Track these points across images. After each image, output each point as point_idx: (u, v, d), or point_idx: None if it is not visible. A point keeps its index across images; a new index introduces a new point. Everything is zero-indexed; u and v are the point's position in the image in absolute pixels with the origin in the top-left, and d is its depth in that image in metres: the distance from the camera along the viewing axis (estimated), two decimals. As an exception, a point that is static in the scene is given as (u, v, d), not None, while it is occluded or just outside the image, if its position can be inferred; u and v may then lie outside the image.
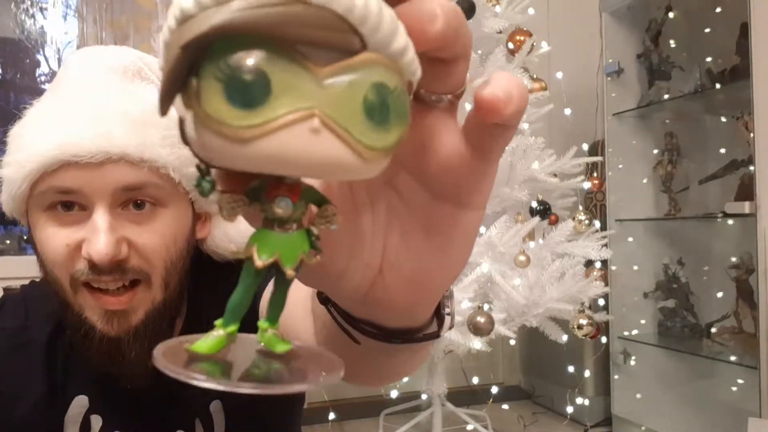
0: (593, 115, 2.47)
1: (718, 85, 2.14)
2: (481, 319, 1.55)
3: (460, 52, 0.22)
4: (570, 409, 2.31)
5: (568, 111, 2.00)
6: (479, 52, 1.86)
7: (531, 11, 1.95)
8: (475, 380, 2.22)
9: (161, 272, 0.60)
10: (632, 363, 2.37)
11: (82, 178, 0.56)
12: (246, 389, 0.20)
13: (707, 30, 2.28)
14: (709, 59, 2.23)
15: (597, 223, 1.90)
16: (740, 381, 2.08)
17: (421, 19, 0.20)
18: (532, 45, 1.87)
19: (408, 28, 0.20)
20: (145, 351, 0.59)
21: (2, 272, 2.14)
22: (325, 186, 0.25)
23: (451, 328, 0.33)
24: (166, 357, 0.21)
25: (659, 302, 2.47)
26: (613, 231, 2.18)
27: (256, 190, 0.22)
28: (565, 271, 1.73)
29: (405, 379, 2.11)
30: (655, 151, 2.49)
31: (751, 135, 1.85)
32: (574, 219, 1.85)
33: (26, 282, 0.75)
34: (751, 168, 1.87)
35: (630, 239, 2.42)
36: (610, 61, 2.40)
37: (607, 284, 1.88)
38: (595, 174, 2.12)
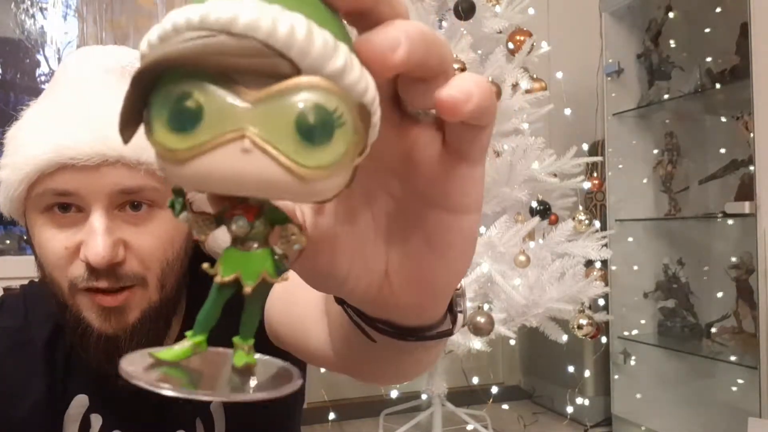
0: (593, 115, 2.47)
1: (718, 85, 2.14)
2: (481, 319, 1.55)
3: (435, 70, 0.23)
4: (570, 409, 2.31)
5: (568, 111, 2.00)
6: (479, 52, 1.86)
7: (531, 11, 1.95)
8: (475, 380, 2.22)
9: (157, 274, 0.60)
10: (632, 363, 2.37)
11: (78, 180, 0.56)
12: (205, 397, 0.22)
13: (707, 30, 2.28)
14: (709, 59, 2.23)
15: (597, 223, 1.90)
16: (740, 381, 2.08)
17: (382, 49, 0.20)
18: (532, 45, 1.87)
19: (371, 57, 0.21)
20: (141, 349, 0.59)
21: (2, 272, 2.14)
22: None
23: (464, 325, 0.34)
24: (133, 365, 0.23)
25: (659, 302, 2.47)
26: (613, 231, 2.18)
27: (222, 211, 0.24)
28: (565, 271, 1.73)
29: (405, 379, 2.11)
30: (655, 151, 2.49)
31: (751, 135, 1.85)
32: (574, 219, 1.85)
33: (26, 282, 0.75)
34: (751, 168, 1.87)
35: (630, 239, 2.42)
36: (610, 61, 2.40)
37: (607, 284, 1.88)
38: (595, 174, 2.12)
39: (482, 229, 1.77)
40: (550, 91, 1.93)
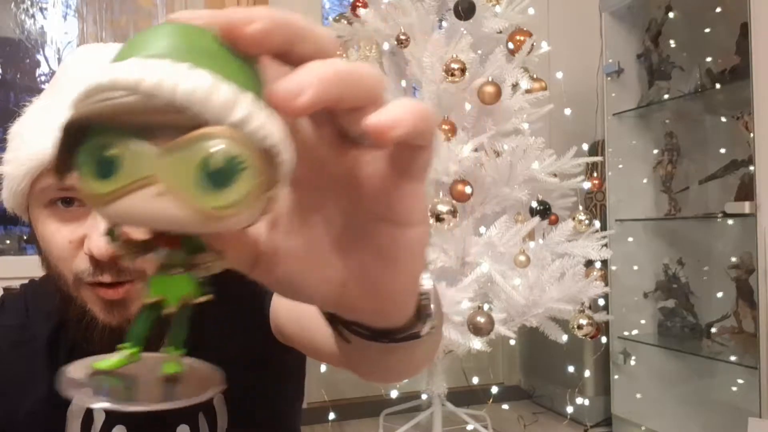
0: (593, 115, 2.47)
1: (718, 85, 2.14)
2: (481, 319, 1.55)
3: (360, 101, 0.24)
4: (570, 409, 2.31)
5: (568, 111, 2.00)
6: (479, 52, 1.86)
7: (531, 11, 1.95)
8: (475, 380, 2.22)
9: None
10: (632, 363, 2.37)
11: None
12: (132, 408, 0.25)
13: (707, 30, 2.28)
14: (709, 59, 2.23)
15: (597, 223, 1.90)
16: (740, 381, 2.08)
17: (285, 97, 0.22)
18: (532, 45, 1.87)
19: (276, 104, 0.22)
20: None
21: (2, 272, 2.14)
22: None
23: (433, 328, 0.35)
24: (75, 373, 0.27)
25: (659, 302, 2.47)
26: (613, 231, 2.18)
27: (149, 240, 0.27)
28: (565, 271, 1.73)
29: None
30: (655, 151, 2.49)
31: (751, 135, 1.85)
32: (574, 219, 1.85)
33: (26, 282, 0.76)
34: (751, 168, 1.87)
35: (630, 239, 2.42)
36: (610, 61, 2.40)
37: (607, 284, 1.88)
38: (595, 174, 2.12)
39: (482, 229, 1.77)
40: (550, 91, 1.93)
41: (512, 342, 1.81)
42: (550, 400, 2.65)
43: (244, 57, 0.23)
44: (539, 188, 1.84)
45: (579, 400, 2.33)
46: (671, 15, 2.38)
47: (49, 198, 0.59)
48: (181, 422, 0.70)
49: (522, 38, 1.87)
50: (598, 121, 2.46)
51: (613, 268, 2.32)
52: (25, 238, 2.41)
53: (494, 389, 2.20)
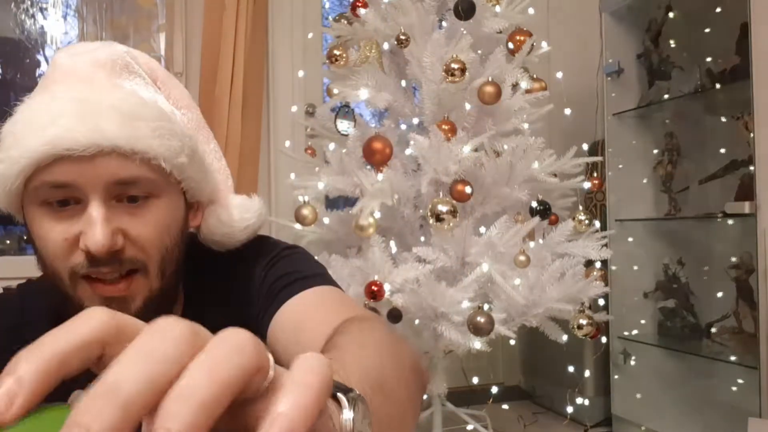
0: (593, 115, 2.47)
1: (718, 85, 2.14)
2: (481, 319, 1.55)
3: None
4: (570, 409, 2.31)
5: (568, 111, 2.00)
6: (479, 52, 1.86)
7: (531, 11, 1.95)
8: (475, 380, 2.22)
9: (157, 261, 0.61)
10: (632, 363, 2.37)
11: (75, 171, 0.57)
12: None
13: (707, 30, 2.28)
14: (709, 59, 2.23)
15: (597, 223, 1.90)
16: (740, 381, 2.08)
17: None
18: (532, 45, 1.87)
19: None
20: None
21: (2, 272, 2.14)
22: None
23: None
24: None
25: (659, 302, 2.46)
26: (613, 231, 2.18)
27: None
28: (565, 271, 1.73)
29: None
30: (655, 151, 2.49)
31: (751, 135, 1.85)
32: (574, 219, 1.85)
33: (23, 282, 0.75)
34: (751, 168, 1.87)
35: (630, 239, 2.42)
36: (610, 61, 2.40)
37: (607, 284, 1.87)
38: (595, 174, 2.12)
39: (482, 229, 1.77)
40: (550, 91, 1.93)
41: (512, 342, 1.80)
42: (550, 400, 2.65)
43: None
44: (539, 188, 1.84)
45: (579, 400, 2.33)
46: (671, 15, 2.38)
47: (43, 197, 0.59)
48: None
49: (522, 38, 1.87)
50: (598, 121, 2.45)
51: (613, 268, 2.32)
52: (25, 238, 2.41)
53: (494, 389, 2.20)
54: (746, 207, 1.86)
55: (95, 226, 0.57)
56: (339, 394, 0.29)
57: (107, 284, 0.59)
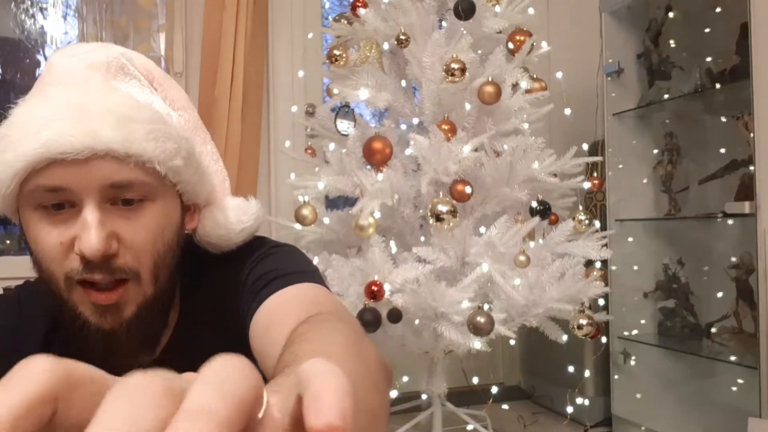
0: (593, 115, 2.47)
1: (718, 85, 2.14)
2: (481, 319, 1.55)
3: None
4: (570, 409, 2.31)
5: (568, 111, 2.00)
6: (479, 52, 1.86)
7: (531, 11, 1.95)
8: (475, 380, 2.22)
9: (150, 267, 0.61)
10: (632, 363, 2.37)
11: (69, 175, 0.56)
12: None
13: (707, 30, 2.28)
14: (709, 59, 2.23)
15: (597, 223, 1.90)
16: (740, 381, 2.08)
17: None
18: (532, 45, 1.87)
19: None
20: (139, 344, 0.61)
21: (2, 272, 2.14)
22: None
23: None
24: None
25: (659, 302, 2.46)
26: (613, 231, 2.18)
27: None
28: (565, 271, 1.73)
29: (405, 379, 2.11)
30: (655, 151, 2.49)
31: (751, 135, 1.85)
32: (574, 219, 1.85)
33: (21, 282, 0.75)
34: (751, 168, 1.87)
35: (630, 239, 2.42)
36: (610, 61, 2.40)
37: (607, 284, 1.88)
38: (595, 174, 2.12)
39: (482, 229, 1.77)
40: (550, 91, 1.93)
41: (512, 342, 1.80)
42: (550, 400, 2.65)
43: None
44: (539, 188, 1.84)
45: (579, 400, 2.33)
46: (671, 15, 2.38)
47: (38, 201, 0.58)
48: None
49: (522, 38, 1.87)
50: (598, 121, 2.45)
51: (613, 268, 2.32)
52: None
53: (494, 389, 2.20)
54: (746, 207, 1.86)
55: (90, 231, 0.56)
56: None
57: (101, 291, 0.59)
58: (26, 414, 0.19)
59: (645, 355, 2.36)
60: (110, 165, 0.57)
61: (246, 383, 0.20)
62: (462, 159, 1.65)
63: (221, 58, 2.24)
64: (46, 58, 2.46)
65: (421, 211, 1.79)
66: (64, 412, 0.21)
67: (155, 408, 0.19)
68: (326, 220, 1.87)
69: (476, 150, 1.69)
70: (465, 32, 1.76)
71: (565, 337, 1.82)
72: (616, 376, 2.35)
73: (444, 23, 1.89)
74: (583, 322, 1.74)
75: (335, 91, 1.85)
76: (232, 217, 0.71)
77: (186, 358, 0.58)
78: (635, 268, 2.43)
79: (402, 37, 1.75)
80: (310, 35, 2.49)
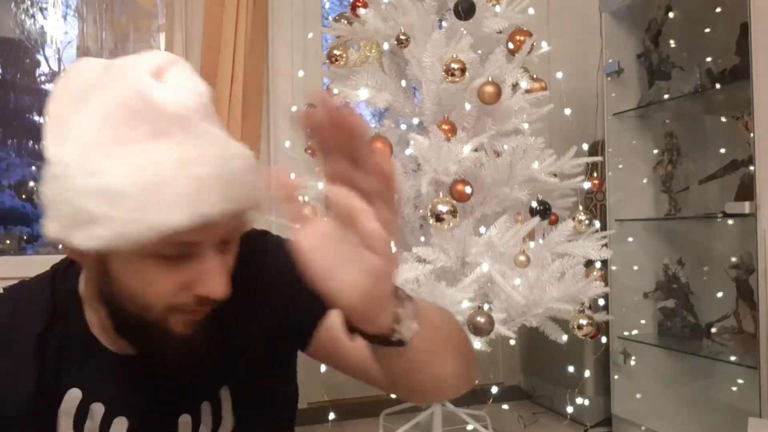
0: (593, 115, 2.47)
1: (718, 85, 2.14)
2: (481, 319, 1.55)
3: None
4: (570, 409, 2.31)
5: (568, 111, 2.00)
6: (479, 52, 1.86)
7: (531, 11, 1.95)
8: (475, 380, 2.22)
9: None
10: (632, 363, 2.37)
11: (202, 233, 0.59)
12: None
13: (707, 30, 2.28)
14: (709, 59, 2.23)
15: (597, 223, 1.90)
16: (740, 381, 2.08)
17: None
18: (532, 45, 1.87)
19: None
20: (202, 341, 0.66)
21: (2, 272, 2.14)
22: None
23: (401, 343, 0.53)
24: None
25: (659, 302, 2.46)
26: (613, 231, 2.18)
27: None
28: (565, 271, 1.73)
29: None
30: (655, 151, 2.49)
31: (751, 135, 1.85)
32: (574, 219, 1.85)
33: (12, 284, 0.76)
34: (751, 168, 1.87)
35: (630, 239, 2.42)
36: (610, 61, 2.40)
37: (607, 284, 1.87)
38: (595, 174, 2.12)
39: (482, 229, 1.77)
40: (550, 91, 1.93)
41: (512, 342, 1.80)
42: (550, 400, 2.65)
43: None
44: (539, 188, 1.84)
45: (579, 400, 2.33)
46: (671, 15, 2.38)
47: (156, 250, 0.58)
48: (183, 412, 0.72)
49: (522, 38, 1.87)
50: (598, 121, 2.46)
51: (613, 268, 2.32)
52: (25, 238, 2.41)
53: (494, 389, 2.20)
54: (746, 207, 1.86)
55: (217, 277, 0.60)
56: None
57: (198, 313, 0.64)
58: None
59: (645, 355, 2.36)
60: (233, 220, 0.61)
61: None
62: (462, 159, 1.65)
63: (221, 58, 2.24)
64: (46, 58, 2.46)
65: (421, 211, 1.79)
66: None
67: None
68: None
69: (476, 150, 1.69)
70: (465, 32, 1.76)
71: (565, 337, 1.82)
72: (616, 376, 2.35)
73: (444, 23, 1.89)
74: (583, 322, 1.74)
75: (335, 91, 1.85)
76: None
77: (210, 365, 0.69)
78: (635, 268, 2.43)
79: (402, 37, 1.75)
80: (310, 35, 2.49)
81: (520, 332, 1.76)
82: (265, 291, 0.74)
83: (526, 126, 1.86)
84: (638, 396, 2.33)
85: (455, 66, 1.66)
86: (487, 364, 2.60)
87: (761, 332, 1.81)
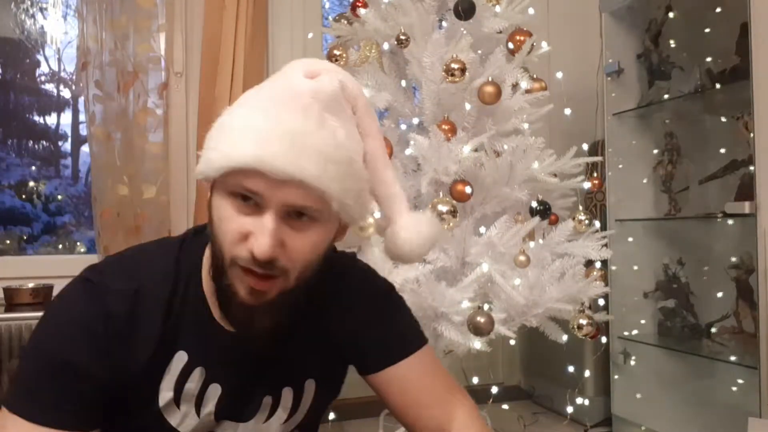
0: (593, 115, 2.47)
1: (718, 85, 2.14)
2: (481, 319, 1.55)
3: None
4: (570, 409, 2.31)
5: (568, 111, 2.00)
6: (479, 52, 1.85)
7: (531, 11, 1.95)
8: (475, 380, 2.22)
9: (299, 270, 0.71)
10: (632, 363, 2.37)
11: (265, 186, 0.66)
12: None
13: (707, 30, 2.28)
14: (709, 59, 2.23)
15: (597, 223, 1.90)
16: (740, 381, 2.08)
17: None
18: (532, 45, 1.87)
19: None
20: (272, 321, 0.72)
21: (2, 272, 2.14)
22: None
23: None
24: None
25: (659, 302, 2.46)
26: (613, 231, 2.18)
27: None
28: (565, 271, 1.73)
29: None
30: (655, 151, 2.49)
31: (751, 135, 1.85)
32: (574, 219, 1.85)
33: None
34: (751, 168, 1.87)
35: (630, 239, 2.42)
36: (610, 61, 2.40)
37: (607, 284, 1.88)
38: (595, 174, 2.12)
39: (482, 229, 1.77)
40: (550, 91, 1.93)
41: (512, 342, 1.80)
42: (550, 400, 2.65)
43: None
44: (539, 188, 1.84)
45: (579, 400, 2.33)
46: (671, 15, 2.38)
47: (233, 189, 0.68)
48: (268, 393, 0.83)
49: (522, 38, 1.87)
50: (598, 121, 2.46)
51: (613, 268, 2.32)
52: (24, 238, 2.41)
53: (494, 389, 2.20)
54: (746, 207, 1.86)
55: (265, 236, 0.66)
56: None
57: (257, 278, 0.69)
58: None
59: (645, 355, 2.36)
60: (299, 191, 0.66)
61: None
62: (462, 159, 1.65)
63: (221, 58, 2.24)
64: (46, 58, 2.46)
65: (421, 211, 1.79)
66: None
67: None
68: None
69: (476, 150, 1.69)
70: (465, 32, 1.76)
71: (565, 337, 1.82)
72: (616, 376, 2.35)
73: (444, 23, 1.89)
74: (583, 322, 1.74)
75: (335, 91, 1.85)
76: (412, 233, 0.83)
77: (286, 337, 0.81)
78: (635, 268, 2.43)
79: (402, 37, 1.75)
80: (310, 35, 2.49)
81: (520, 332, 1.77)
82: (358, 308, 0.87)
83: (526, 126, 1.85)
84: (638, 396, 2.34)
85: (455, 66, 1.66)
86: (487, 364, 2.60)
87: (761, 332, 1.81)
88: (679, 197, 2.42)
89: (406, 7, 1.77)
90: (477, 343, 1.62)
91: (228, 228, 0.69)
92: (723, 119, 2.29)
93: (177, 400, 0.77)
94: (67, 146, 2.55)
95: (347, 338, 0.86)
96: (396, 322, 0.91)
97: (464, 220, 1.69)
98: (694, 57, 2.31)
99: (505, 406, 2.46)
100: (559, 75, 2.05)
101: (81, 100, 2.24)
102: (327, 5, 2.69)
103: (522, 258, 1.66)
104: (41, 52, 2.45)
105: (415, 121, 1.86)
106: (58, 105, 2.54)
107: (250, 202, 0.68)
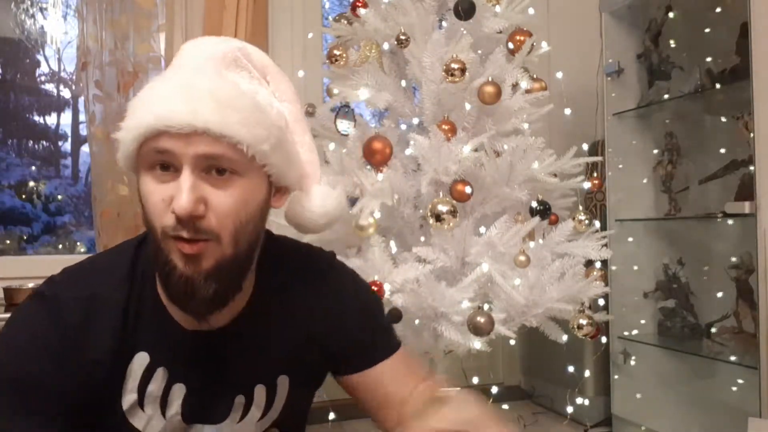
0: (593, 115, 2.47)
1: (718, 85, 2.14)
2: (481, 319, 1.55)
3: None
4: (570, 409, 2.31)
5: (568, 111, 2.00)
6: (479, 52, 1.85)
7: (531, 11, 1.95)
8: (475, 380, 2.22)
9: (230, 231, 0.71)
10: (632, 363, 2.37)
11: (173, 142, 0.67)
12: None
13: (707, 30, 2.28)
14: (709, 59, 2.23)
15: (597, 223, 1.90)
16: (740, 381, 2.08)
17: None
18: (532, 45, 1.87)
19: None
20: (213, 294, 0.71)
21: (2, 272, 2.14)
22: None
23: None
24: None
25: (659, 302, 2.46)
26: (613, 231, 2.18)
27: None
28: (565, 271, 1.73)
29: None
30: (655, 151, 2.49)
31: (751, 135, 1.85)
32: (574, 219, 1.85)
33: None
34: (751, 168, 1.87)
35: (630, 239, 2.42)
36: (610, 61, 2.40)
37: (607, 284, 1.87)
38: (595, 174, 2.12)
39: (482, 229, 1.77)
40: (550, 91, 1.93)
41: (512, 342, 1.80)
42: (550, 400, 2.65)
43: None
44: (539, 188, 1.84)
45: (579, 400, 2.33)
46: (671, 15, 2.38)
47: (150, 161, 0.69)
48: (239, 393, 0.82)
49: (522, 38, 1.87)
50: (598, 121, 2.46)
51: (613, 268, 2.32)
52: (24, 238, 2.41)
53: (494, 389, 2.20)
54: (746, 207, 1.86)
55: (183, 193, 0.66)
56: None
57: (186, 243, 0.69)
58: None
59: (645, 355, 2.36)
60: (206, 140, 0.67)
61: None
62: (462, 159, 1.65)
63: (221, 58, 2.24)
64: (46, 58, 2.47)
65: (421, 211, 1.79)
66: None
67: None
68: (326, 220, 1.87)
69: (476, 150, 1.69)
70: (465, 32, 1.76)
71: (565, 337, 1.82)
72: (616, 376, 2.35)
73: (444, 23, 1.89)
74: (583, 322, 1.74)
75: (335, 91, 1.85)
76: (317, 201, 0.83)
77: (252, 334, 0.81)
78: (635, 268, 2.43)
79: (402, 37, 1.75)
80: (310, 35, 2.49)
81: (520, 332, 1.76)
82: (336, 306, 0.87)
83: (526, 126, 1.85)
84: (638, 396, 2.33)
85: (455, 66, 1.66)
86: (487, 364, 2.59)
87: (761, 332, 1.81)
88: (679, 197, 2.42)
89: (406, 7, 1.77)
90: (477, 343, 1.61)
91: (153, 200, 0.70)
92: (723, 119, 2.29)
93: (141, 402, 0.77)
94: (67, 146, 2.55)
95: (324, 340, 0.86)
96: (374, 325, 0.92)
97: (464, 220, 1.69)
98: (694, 57, 2.31)
99: (505, 406, 2.46)
100: (559, 75, 2.05)
101: (81, 100, 2.24)
102: (327, 5, 2.69)
103: (522, 258, 1.66)
104: (41, 52, 2.45)
105: (415, 121, 1.86)
106: (58, 105, 2.54)
107: (169, 170, 0.69)
